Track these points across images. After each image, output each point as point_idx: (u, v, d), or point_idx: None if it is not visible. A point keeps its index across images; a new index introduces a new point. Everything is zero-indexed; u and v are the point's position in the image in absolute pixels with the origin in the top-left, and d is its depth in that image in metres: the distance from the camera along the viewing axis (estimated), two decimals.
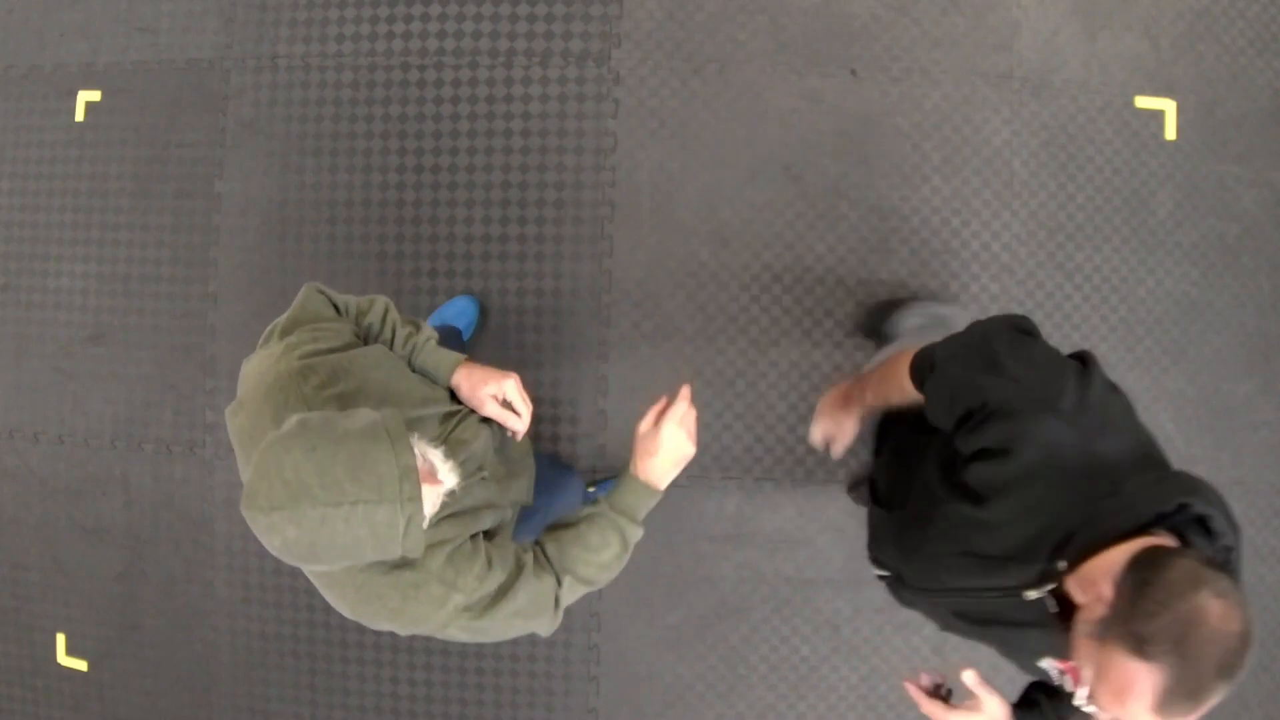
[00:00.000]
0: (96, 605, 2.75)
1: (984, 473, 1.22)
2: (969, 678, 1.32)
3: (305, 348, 1.31)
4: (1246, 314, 2.60)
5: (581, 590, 1.41)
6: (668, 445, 1.41)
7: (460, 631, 1.31)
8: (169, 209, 2.70)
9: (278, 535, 1.05)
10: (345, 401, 1.27)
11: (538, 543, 1.44)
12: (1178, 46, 2.59)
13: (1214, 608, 0.99)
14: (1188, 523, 1.10)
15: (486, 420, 1.50)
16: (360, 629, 2.64)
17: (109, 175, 2.73)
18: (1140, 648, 1.00)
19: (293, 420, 1.09)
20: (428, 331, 1.56)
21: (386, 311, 1.54)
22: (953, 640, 2.59)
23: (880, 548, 1.56)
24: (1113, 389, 1.23)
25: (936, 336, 1.45)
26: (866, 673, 2.60)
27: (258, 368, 1.31)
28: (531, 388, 2.61)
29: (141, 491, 2.72)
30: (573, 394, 2.60)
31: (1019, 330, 1.32)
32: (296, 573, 2.64)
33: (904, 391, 1.47)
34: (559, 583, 1.38)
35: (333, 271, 2.64)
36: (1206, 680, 0.99)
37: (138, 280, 2.71)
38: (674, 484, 2.58)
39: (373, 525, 1.05)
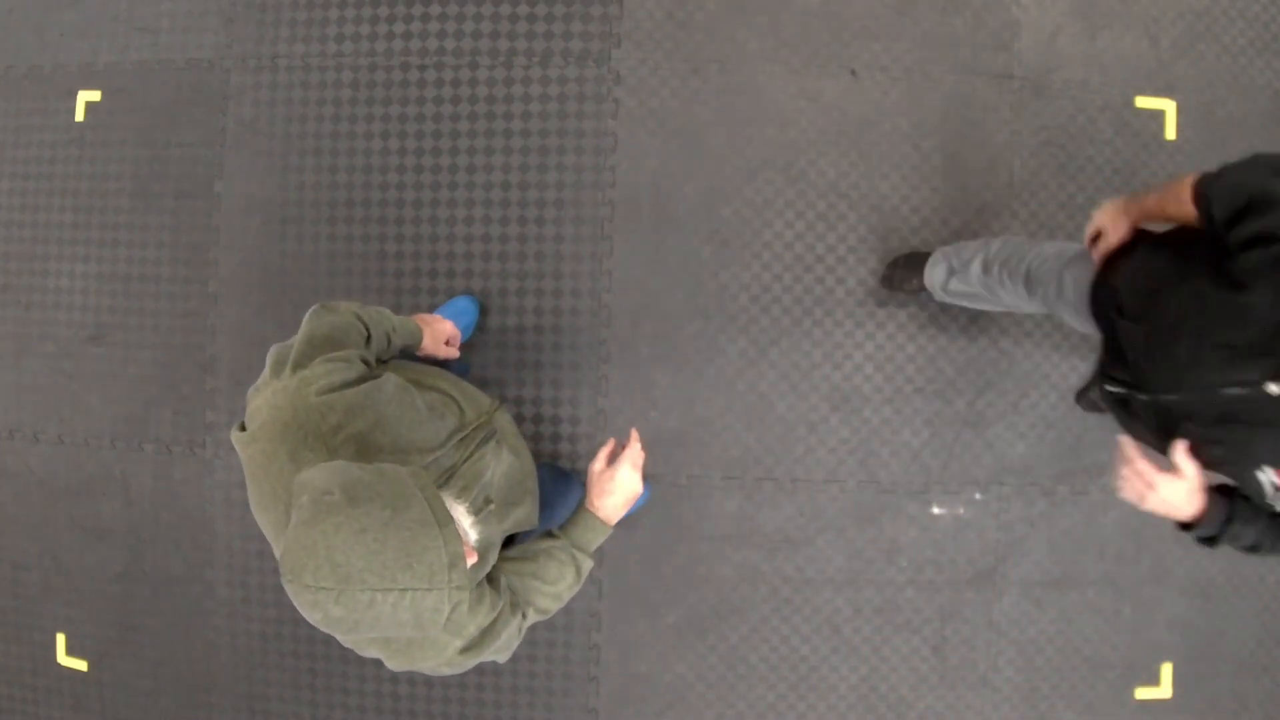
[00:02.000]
0: (96, 605, 2.75)
1: (1253, 258, 1.27)
2: (1177, 449, 1.40)
3: (320, 383, 1.29)
4: None
5: (535, 619, 1.46)
6: (623, 485, 1.50)
7: (448, 668, 1.33)
8: (169, 209, 2.70)
9: (320, 611, 1.04)
10: (362, 440, 1.26)
11: (490, 576, 1.45)
12: (1178, 46, 2.59)
13: None
14: None
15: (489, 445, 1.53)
16: None
17: (109, 175, 2.73)
18: None
19: (335, 489, 1.07)
20: (387, 312, 1.62)
21: (380, 321, 1.57)
22: (951, 642, 2.59)
23: (1116, 364, 1.60)
24: None
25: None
26: (866, 673, 2.60)
27: (271, 401, 1.29)
28: (532, 388, 2.61)
29: (141, 491, 2.72)
30: (573, 394, 2.60)
31: None
32: None
33: (1180, 205, 1.52)
34: (524, 615, 1.42)
35: (333, 271, 2.64)
36: None
37: (138, 280, 2.71)
38: (673, 484, 2.59)
39: (418, 611, 1.05)
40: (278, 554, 1.22)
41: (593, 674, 2.62)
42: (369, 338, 1.51)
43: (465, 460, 1.42)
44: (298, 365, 1.33)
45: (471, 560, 1.14)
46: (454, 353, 1.79)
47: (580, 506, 1.51)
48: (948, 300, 2.31)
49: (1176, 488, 1.40)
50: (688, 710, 2.62)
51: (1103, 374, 1.66)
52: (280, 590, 2.66)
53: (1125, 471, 1.43)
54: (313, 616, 1.06)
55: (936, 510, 2.59)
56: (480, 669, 2.62)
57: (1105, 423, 2.56)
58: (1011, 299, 2.13)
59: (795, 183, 2.59)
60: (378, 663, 2.64)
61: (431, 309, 2.59)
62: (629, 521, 2.58)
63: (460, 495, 1.23)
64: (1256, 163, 1.42)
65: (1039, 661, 2.61)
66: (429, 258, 2.63)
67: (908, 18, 2.59)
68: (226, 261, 2.68)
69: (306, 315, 1.45)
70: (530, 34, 2.62)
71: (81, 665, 2.76)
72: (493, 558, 1.41)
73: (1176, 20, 2.59)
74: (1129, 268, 1.62)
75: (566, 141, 2.60)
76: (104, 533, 2.74)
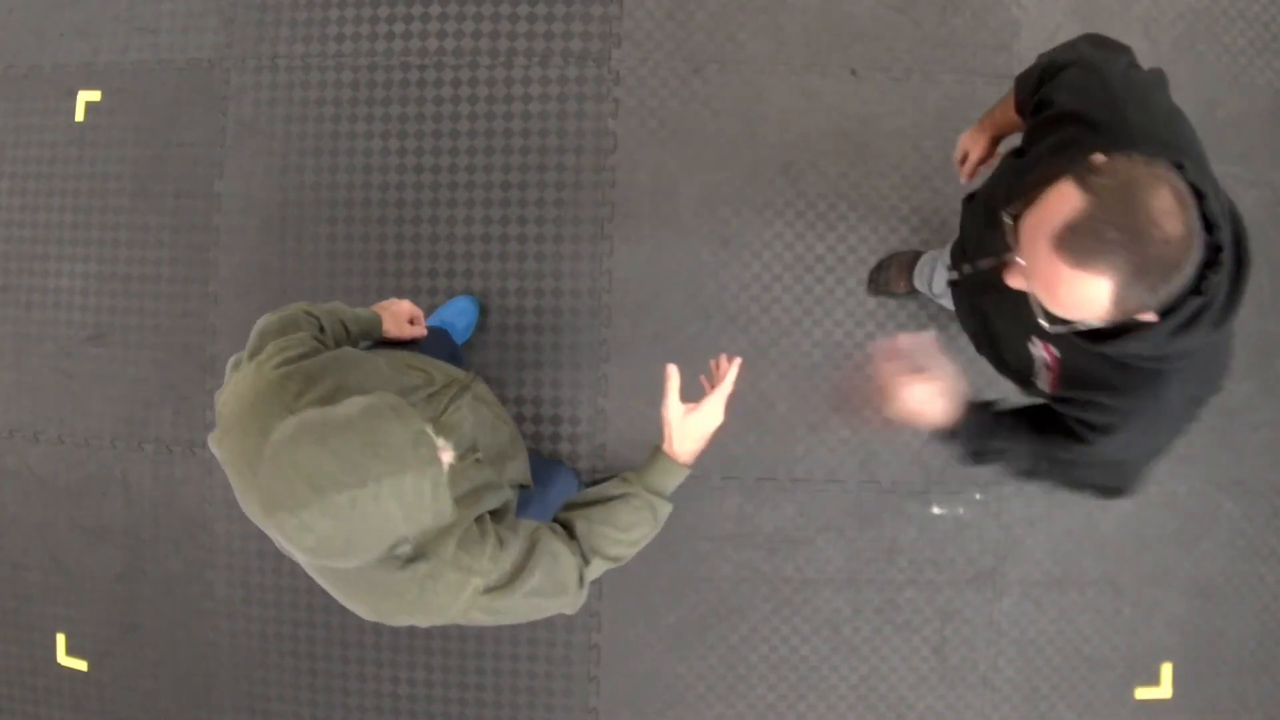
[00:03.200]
0: (96, 605, 2.75)
1: (1032, 125, 1.34)
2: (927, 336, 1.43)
3: (276, 358, 1.32)
4: (1246, 314, 2.59)
5: (606, 567, 1.43)
6: (708, 422, 1.45)
7: (482, 614, 1.30)
8: (169, 209, 2.70)
9: (310, 534, 1.05)
10: (327, 404, 1.27)
11: (561, 520, 1.44)
12: (1178, 46, 2.59)
13: (1165, 196, 1.01)
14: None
15: (468, 399, 1.52)
16: (360, 628, 2.64)
17: (109, 175, 2.73)
18: (1084, 176, 1.03)
19: (289, 422, 1.09)
20: (339, 305, 1.65)
21: (333, 311, 1.60)
22: (951, 642, 2.59)
23: (963, 241, 1.64)
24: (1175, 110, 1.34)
25: None
26: (866, 673, 2.60)
27: (235, 390, 1.32)
28: (531, 387, 2.62)
29: (141, 491, 2.72)
30: (573, 394, 2.60)
31: (1104, 41, 1.46)
32: (297, 572, 2.64)
33: (1009, 105, 1.60)
34: (585, 560, 1.39)
35: (333, 271, 2.64)
36: (1115, 238, 0.99)
37: (138, 280, 2.71)
38: None
39: (400, 497, 1.05)
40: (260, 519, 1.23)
41: (593, 674, 2.62)
42: (321, 327, 1.54)
43: (440, 415, 1.43)
44: (252, 355, 1.38)
45: (446, 456, 1.13)
46: (420, 331, 1.78)
47: (657, 450, 1.47)
48: (945, 304, 2.31)
49: (924, 390, 1.40)
50: (688, 710, 2.62)
51: (952, 264, 1.69)
52: (280, 590, 2.67)
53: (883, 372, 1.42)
54: (304, 544, 1.06)
55: (936, 510, 2.59)
56: (480, 669, 2.62)
57: None
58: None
59: (795, 183, 2.59)
60: (378, 662, 2.64)
61: (431, 309, 2.59)
62: None
63: (445, 443, 1.23)
64: (1058, 47, 1.46)
65: (1039, 661, 2.61)
66: (429, 258, 2.63)
67: (908, 18, 2.59)
68: (226, 261, 2.68)
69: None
70: (530, 34, 2.62)
71: (81, 665, 2.76)
72: (494, 501, 1.39)
73: (1176, 20, 2.59)
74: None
75: (566, 141, 2.60)
76: (104, 533, 2.74)
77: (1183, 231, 1.01)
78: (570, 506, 1.47)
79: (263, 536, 2.65)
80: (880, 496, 2.59)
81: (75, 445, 2.75)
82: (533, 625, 2.62)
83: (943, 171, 2.57)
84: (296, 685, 2.68)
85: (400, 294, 2.61)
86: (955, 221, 2.59)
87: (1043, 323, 1.15)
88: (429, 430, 1.10)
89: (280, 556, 2.65)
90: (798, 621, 2.60)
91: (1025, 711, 2.61)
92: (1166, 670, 2.62)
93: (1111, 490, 1.45)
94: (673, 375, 1.46)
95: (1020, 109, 1.52)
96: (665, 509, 1.46)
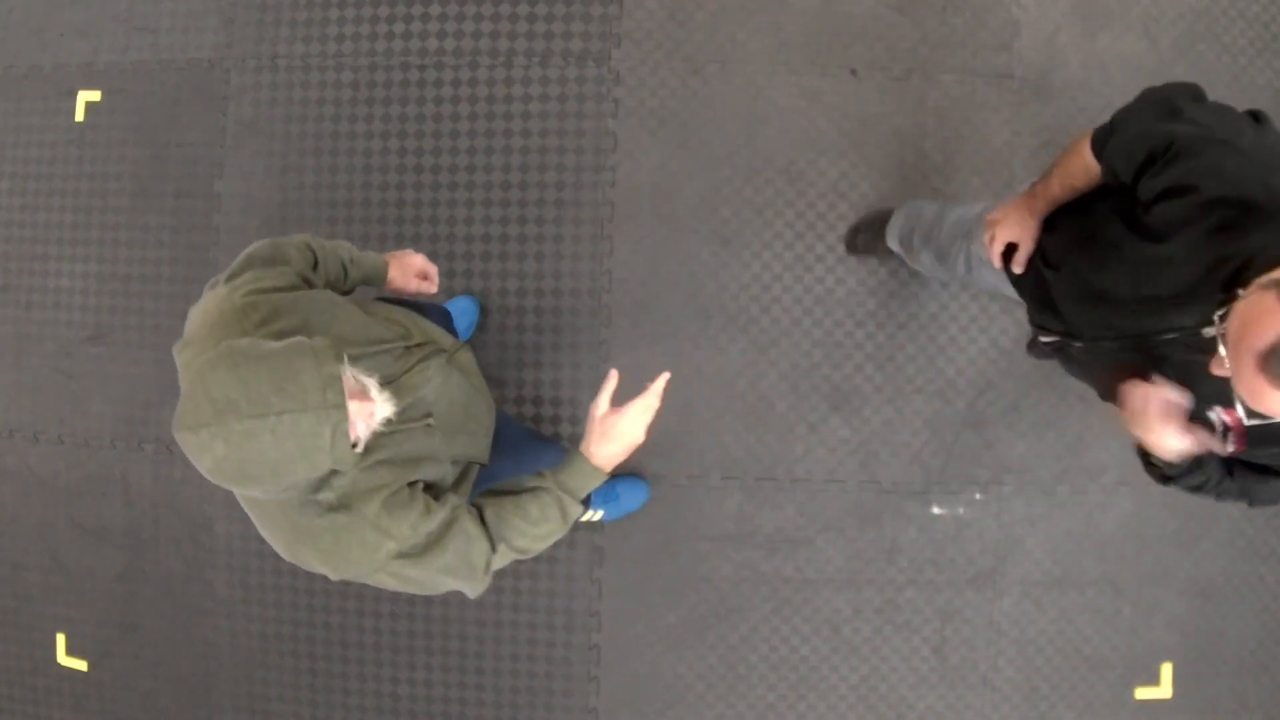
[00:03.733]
0: (96, 605, 2.75)
1: (1167, 211, 1.26)
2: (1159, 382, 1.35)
3: (248, 286, 1.32)
4: None
5: (511, 558, 1.42)
6: (626, 432, 1.43)
7: (390, 579, 1.31)
8: (169, 209, 2.70)
9: (207, 454, 1.07)
10: (285, 338, 1.27)
11: (474, 504, 1.44)
12: (1178, 46, 2.59)
13: None
14: None
15: (436, 357, 1.51)
16: (360, 629, 2.64)
17: (109, 175, 2.73)
18: None
19: (221, 346, 1.11)
20: (346, 244, 1.61)
21: (335, 249, 1.58)
22: (951, 642, 2.59)
23: (1045, 313, 1.59)
24: None
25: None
26: (866, 673, 2.60)
27: (203, 307, 1.33)
28: (532, 387, 2.61)
29: (141, 491, 2.72)
30: (573, 393, 2.60)
31: (1194, 90, 1.38)
32: (297, 572, 2.64)
33: (1087, 169, 1.49)
34: (492, 548, 1.39)
35: None
36: None
37: (138, 280, 2.71)
38: (673, 484, 2.58)
39: (299, 436, 1.07)
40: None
41: (593, 674, 2.62)
42: (315, 263, 1.51)
43: (405, 373, 1.41)
44: (231, 277, 1.37)
45: (367, 405, 1.14)
46: (430, 288, 1.69)
47: (574, 450, 1.46)
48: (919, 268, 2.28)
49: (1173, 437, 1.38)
50: (688, 710, 2.62)
51: (1035, 325, 1.66)
52: (280, 590, 2.67)
53: (1145, 403, 1.38)
54: (202, 464, 1.08)
55: (936, 510, 2.59)
56: (480, 669, 2.62)
57: (1105, 423, 2.56)
58: (929, 270, 2.13)
59: (795, 183, 2.59)
60: (378, 662, 2.64)
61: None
62: (629, 521, 2.58)
63: (389, 396, 1.23)
64: (1145, 105, 1.40)
65: (1039, 661, 2.61)
66: (429, 258, 2.63)
67: (908, 18, 2.59)
68: (226, 261, 2.68)
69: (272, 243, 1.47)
70: (530, 34, 2.62)
71: (81, 665, 2.76)
72: (431, 473, 1.38)
73: (1176, 20, 2.59)
74: (1051, 235, 1.60)
75: (566, 141, 2.60)
76: (104, 533, 2.74)
77: None
78: (488, 493, 1.46)
79: (262, 537, 2.66)
80: (880, 496, 2.59)
81: (75, 445, 2.75)
82: (533, 625, 2.62)
83: (943, 171, 2.57)
84: (296, 685, 2.68)
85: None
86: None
87: (1243, 418, 1.19)
88: (344, 377, 1.11)
89: (280, 556, 2.65)
90: (798, 621, 2.60)
91: (1025, 711, 2.61)
92: (1166, 670, 2.62)
93: (1267, 503, 1.49)
94: (612, 378, 1.45)
95: (1114, 180, 1.44)
96: (575, 510, 1.45)
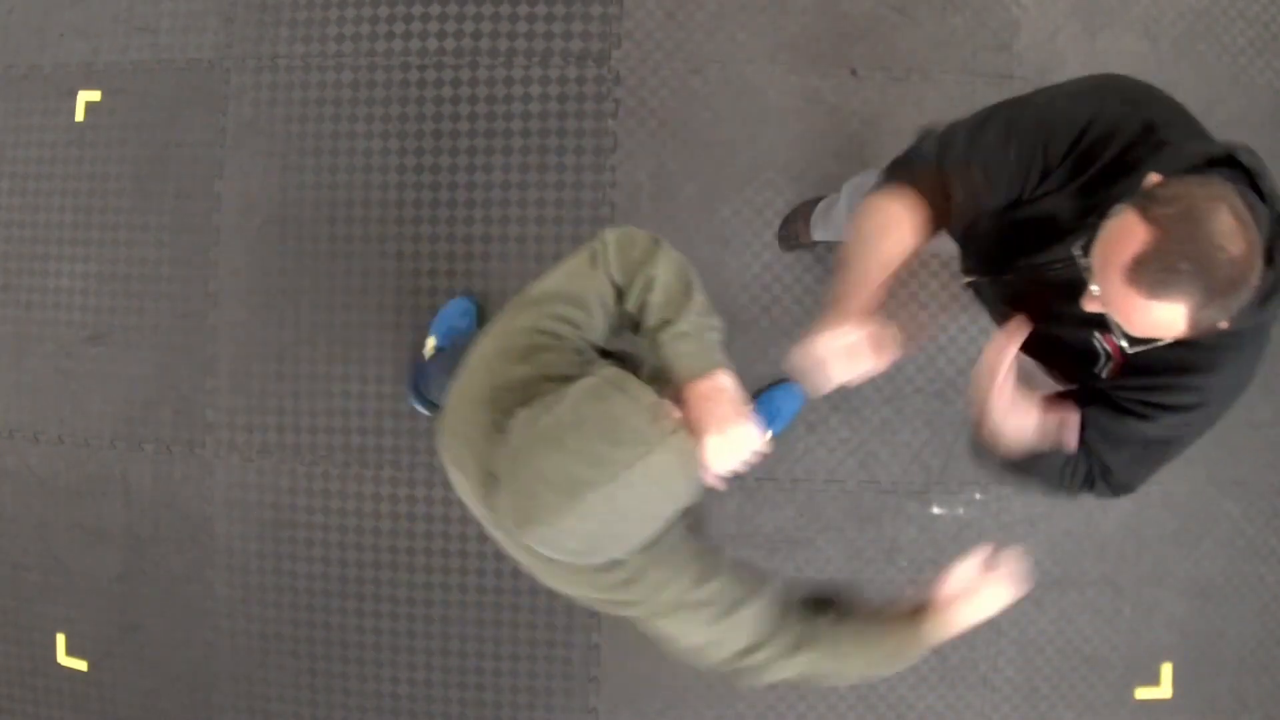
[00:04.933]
0: (96, 605, 2.75)
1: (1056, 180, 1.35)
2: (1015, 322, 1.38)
3: (524, 368, 1.23)
4: None
5: (802, 671, 1.35)
6: (987, 608, 1.42)
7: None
8: (169, 209, 2.70)
9: (572, 539, 1.01)
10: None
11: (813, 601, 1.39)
12: (1178, 46, 2.59)
13: (1225, 218, 1.05)
14: (1237, 179, 1.16)
15: None
16: (360, 629, 2.64)
17: (109, 175, 2.72)
18: (1145, 206, 1.08)
19: (515, 435, 1.05)
20: (710, 322, 1.34)
21: (655, 286, 1.32)
22: (951, 641, 2.59)
23: (968, 257, 1.68)
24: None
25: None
26: None
27: (483, 351, 1.33)
28: None
29: (141, 491, 2.72)
30: None
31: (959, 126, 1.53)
32: (296, 572, 2.64)
33: (910, 230, 1.46)
34: (794, 647, 1.34)
35: (332, 272, 2.64)
36: (1186, 269, 1.04)
37: (138, 280, 2.71)
38: None
39: (651, 479, 1.01)
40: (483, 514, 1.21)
41: (593, 674, 2.62)
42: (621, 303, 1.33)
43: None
44: (537, 304, 1.36)
45: (676, 413, 1.07)
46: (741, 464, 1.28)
47: (926, 606, 1.40)
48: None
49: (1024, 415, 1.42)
50: (688, 710, 2.62)
51: (962, 269, 1.73)
52: (280, 590, 2.66)
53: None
54: (566, 549, 1.02)
55: (936, 510, 2.59)
56: (480, 669, 2.62)
57: None
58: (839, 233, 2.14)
59: (795, 183, 2.59)
60: (378, 662, 2.64)
61: (432, 309, 2.59)
62: None
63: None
64: (998, 112, 1.52)
65: (1039, 661, 2.61)
66: (429, 258, 2.63)
67: (908, 18, 2.59)
68: (226, 261, 2.68)
69: (663, 252, 1.31)
70: (530, 34, 2.62)
71: (81, 665, 2.76)
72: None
73: (1176, 20, 2.59)
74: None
75: (566, 141, 2.60)
76: (104, 533, 2.74)
77: (1246, 248, 1.06)
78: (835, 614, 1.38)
79: (262, 537, 2.66)
80: (880, 496, 2.59)
81: (75, 445, 2.74)
82: (533, 625, 2.62)
83: None
84: (296, 685, 2.68)
85: (400, 294, 2.61)
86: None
87: (1122, 344, 1.25)
88: (658, 397, 1.05)
89: (280, 556, 2.65)
90: None
91: (1025, 711, 2.61)
92: (1166, 670, 2.62)
93: (1121, 485, 1.49)
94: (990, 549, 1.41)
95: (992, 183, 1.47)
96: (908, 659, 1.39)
